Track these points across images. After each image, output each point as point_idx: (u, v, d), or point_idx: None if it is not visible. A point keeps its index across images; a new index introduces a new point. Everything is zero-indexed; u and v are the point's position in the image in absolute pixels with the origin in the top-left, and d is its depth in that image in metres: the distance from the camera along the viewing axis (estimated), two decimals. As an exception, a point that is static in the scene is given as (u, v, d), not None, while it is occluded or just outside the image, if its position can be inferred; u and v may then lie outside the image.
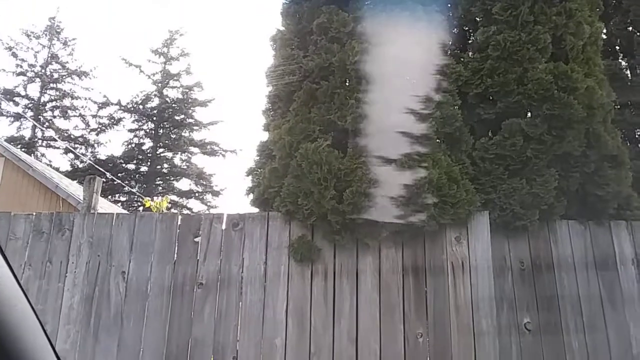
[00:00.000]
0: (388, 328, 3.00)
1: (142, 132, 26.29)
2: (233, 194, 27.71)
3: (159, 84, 26.35)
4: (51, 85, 26.11)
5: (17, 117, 24.64)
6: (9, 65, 26.21)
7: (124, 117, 26.16)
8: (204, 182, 25.77)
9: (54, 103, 26.22)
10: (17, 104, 25.33)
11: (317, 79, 3.36)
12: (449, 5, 3.63)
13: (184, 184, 25.86)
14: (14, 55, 25.27)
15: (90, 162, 23.38)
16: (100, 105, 26.13)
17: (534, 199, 3.14)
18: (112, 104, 26.09)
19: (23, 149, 19.06)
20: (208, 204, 25.66)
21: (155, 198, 8.02)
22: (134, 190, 23.76)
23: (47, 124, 25.72)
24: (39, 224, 3.28)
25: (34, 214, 3.33)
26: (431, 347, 2.98)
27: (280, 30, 3.76)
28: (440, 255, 3.10)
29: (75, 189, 11.82)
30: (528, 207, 3.14)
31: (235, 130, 34.08)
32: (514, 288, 3.14)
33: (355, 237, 3.10)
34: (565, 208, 3.27)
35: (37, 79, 25.77)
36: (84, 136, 26.09)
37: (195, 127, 26.28)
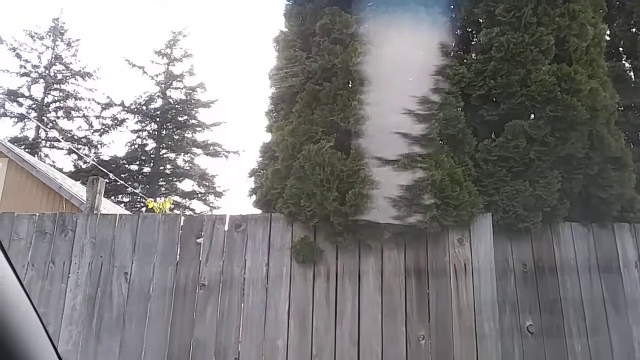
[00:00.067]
0: (390, 330, 3.00)
1: (145, 133, 26.38)
2: (236, 195, 27.81)
3: (162, 85, 26.43)
4: (55, 86, 26.20)
5: (21, 117, 24.75)
6: (12, 66, 26.41)
7: (127, 118, 26.29)
8: (207, 183, 25.82)
9: (57, 104, 26.32)
10: (21, 104, 25.47)
11: (320, 81, 3.36)
12: (452, 6, 3.63)
13: (186, 185, 25.97)
14: (18, 56, 25.40)
15: (94, 162, 23.45)
16: (103, 106, 26.27)
17: (537, 201, 3.13)
18: (115, 104, 26.22)
19: (27, 150, 19.10)
20: (211, 205, 25.75)
21: (158, 199, 8.05)
22: (136, 191, 23.81)
23: (50, 124, 25.81)
24: (42, 225, 3.29)
25: (37, 214, 3.34)
26: (433, 349, 2.97)
27: (283, 32, 3.76)
28: (443, 257, 3.09)
29: (78, 190, 11.83)
30: (531, 209, 3.13)
31: (238, 131, 34.16)
32: (517, 290, 3.13)
33: (357, 239, 3.10)
34: (568, 210, 3.26)
35: (41, 80, 25.86)
36: (87, 137, 26.21)
37: (198, 128, 26.36)
